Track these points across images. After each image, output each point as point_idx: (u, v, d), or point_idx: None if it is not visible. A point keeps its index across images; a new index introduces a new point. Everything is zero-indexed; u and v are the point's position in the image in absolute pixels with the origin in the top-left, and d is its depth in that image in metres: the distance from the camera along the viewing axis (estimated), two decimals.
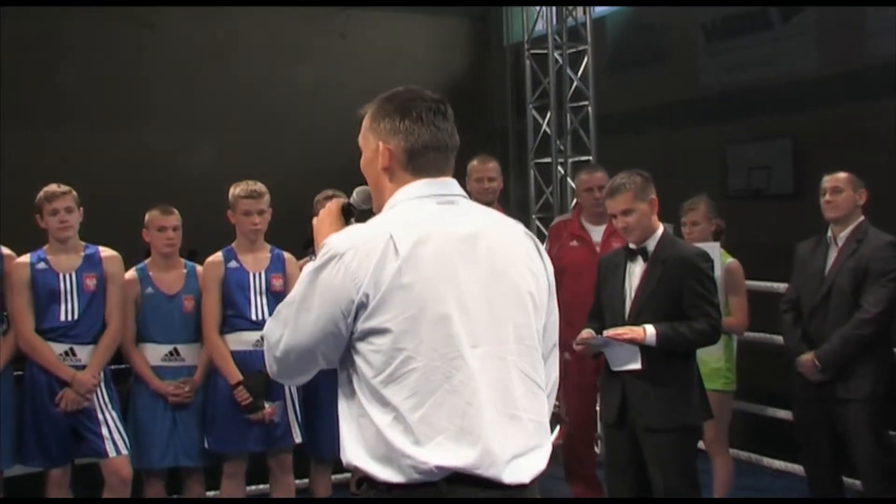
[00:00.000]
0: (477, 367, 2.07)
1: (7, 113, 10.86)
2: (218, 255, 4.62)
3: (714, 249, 4.55)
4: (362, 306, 2.06)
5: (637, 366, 3.90)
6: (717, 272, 4.39)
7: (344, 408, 2.14)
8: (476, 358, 2.07)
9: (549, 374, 2.28)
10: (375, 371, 2.06)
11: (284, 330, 2.15)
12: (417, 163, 2.21)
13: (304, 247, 2.52)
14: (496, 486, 2.05)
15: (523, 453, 2.10)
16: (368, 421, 2.07)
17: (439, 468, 2.02)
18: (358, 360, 2.10)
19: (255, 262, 4.61)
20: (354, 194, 2.41)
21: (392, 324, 2.05)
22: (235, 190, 4.61)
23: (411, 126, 2.20)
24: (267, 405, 4.46)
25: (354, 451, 2.10)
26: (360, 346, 2.09)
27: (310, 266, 2.15)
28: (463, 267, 2.11)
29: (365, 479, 2.11)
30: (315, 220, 2.41)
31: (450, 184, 2.24)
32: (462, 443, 2.03)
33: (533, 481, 2.12)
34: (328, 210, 2.39)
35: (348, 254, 2.07)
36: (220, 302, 4.54)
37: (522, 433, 2.11)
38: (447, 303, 2.07)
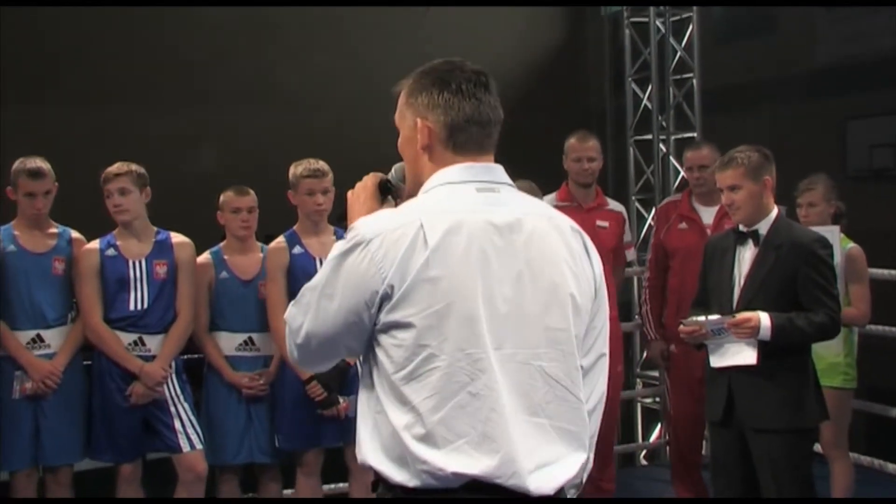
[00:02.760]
0: (501, 370, 2.02)
1: (75, 93, 11.12)
2: (281, 241, 4.60)
3: (833, 234, 4.43)
4: (387, 297, 2.02)
5: (751, 361, 3.80)
6: (837, 259, 4.27)
7: (363, 402, 2.12)
8: (501, 360, 2.03)
9: (595, 386, 2.20)
10: (396, 367, 2.03)
11: (306, 316, 2.12)
12: (459, 139, 2.15)
13: (337, 220, 2.50)
14: (519, 496, 2.01)
15: (549, 463, 2.05)
16: (385, 419, 2.04)
17: (456, 475, 1.98)
18: (380, 354, 2.06)
19: (321, 246, 4.57)
20: (393, 171, 2.38)
21: (416, 318, 2.01)
22: (297, 169, 4.58)
23: (451, 99, 2.15)
24: (342, 399, 4.47)
25: (370, 449, 2.07)
26: (383, 338, 2.05)
27: (336, 249, 2.11)
28: (496, 262, 2.05)
29: (380, 480, 2.08)
30: (349, 194, 2.39)
31: (493, 170, 2.18)
32: (483, 449, 1.99)
33: (559, 491, 2.07)
34: (364, 185, 2.36)
35: (375, 241, 2.03)
36: (286, 290, 4.50)
37: (548, 442, 2.06)
38: (476, 300, 2.02)
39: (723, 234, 4.20)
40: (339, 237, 4.49)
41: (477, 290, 2.02)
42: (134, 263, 4.44)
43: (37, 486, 4.45)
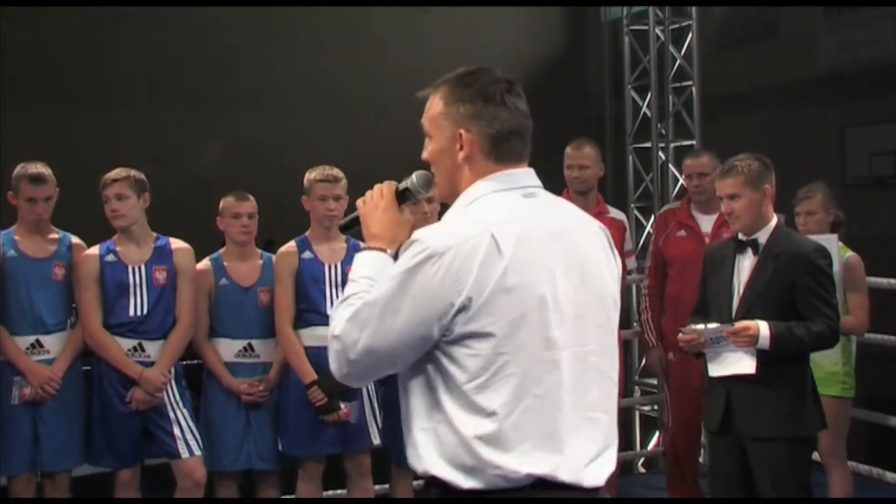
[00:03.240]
0: (567, 369, 2.10)
1: (74, 95, 11.13)
2: (291, 245, 4.64)
3: (832, 242, 4.43)
4: (463, 309, 2.04)
5: (749, 370, 3.81)
6: (836, 268, 4.28)
7: (418, 415, 2.13)
8: (567, 360, 2.10)
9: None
10: (470, 376, 2.06)
11: (364, 331, 2.11)
12: (501, 150, 2.19)
13: (343, 228, 2.49)
14: (576, 489, 2.09)
15: (599, 455, 2.15)
16: (450, 428, 2.07)
17: (529, 476, 2.04)
18: (447, 365, 2.08)
19: (331, 252, 4.62)
20: (414, 178, 2.38)
21: (495, 327, 2.04)
22: (311, 174, 4.62)
23: (495, 111, 2.18)
24: (343, 405, 4.48)
25: (432, 460, 2.09)
26: (453, 349, 2.07)
27: (401, 264, 2.11)
28: (558, 266, 2.12)
29: (435, 488, 2.11)
30: (360, 203, 2.39)
31: (530, 174, 2.24)
32: (548, 449, 2.07)
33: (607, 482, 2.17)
34: (380, 194, 2.37)
35: (448, 254, 2.05)
36: (293, 295, 4.57)
37: (598, 434, 2.15)
38: (546, 305, 2.08)
39: (722, 242, 4.21)
40: (351, 245, 4.54)
41: (547, 296, 2.09)
42: (133, 269, 4.45)
43: (35, 491, 4.45)
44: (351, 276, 2.28)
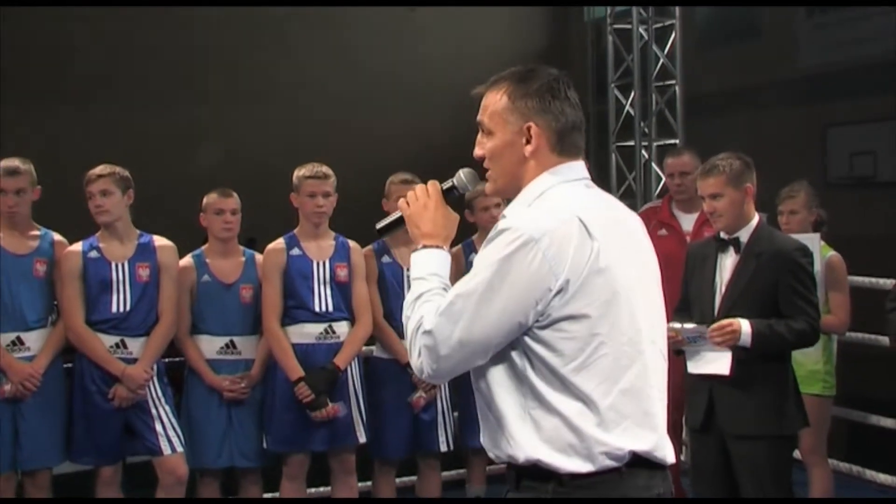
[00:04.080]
0: (647, 349, 2.20)
1: (65, 92, 11.10)
2: (280, 242, 4.64)
3: (814, 241, 4.46)
4: (560, 293, 2.11)
5: (724, 371, 3.83)
6: (817, 267, 4.31)
7: (507, 404, 2.17)
8: (646, 340, 2.21)
9: None
10: (566, 359, 2.12)
11: (458, 324, 2.12)
12: (565, 143, 2.27)
13: (380, 233, 2.53)
14: (662, 467, 2.21)
15: (665, 434, 2.25)
16: (548, 412, 2.13)
17: (632, 453, 2.14)
18: (541, 350, 2.13)
19: (319, 250, 4.63)
20: (461, 176, 2.42)
21: (590, 309, 2.12)
22: (300, 171, 4.63)
23: (561, 105, 2.26)
24: (330, 403, 4.48)
25: (531, 445, 2.14)
26: (546, 333, 2.13)
27: (495, 251, 2.13)
28: (627, 250, 2.23)
29: (526, 474, 2.16)
30: (404, 204, 2.43)
31: (584, 167, 2.33)
32: (645, 427, 2.17)
33: None
34: (428, 193, 2.40)
35: (545, 239, 2.10)
36: (281, 291, 4.57)
37: (663, 414, 2.25)
38: (633, 287, 2.19)
39: (704, 241, 4.23)
40: (339, 242, 4.55)
41: (631, 277, 2.20)
42: (116, 266, 4.43)
43: (16, 489, 4.43)
44: (416, 274, 2.30)
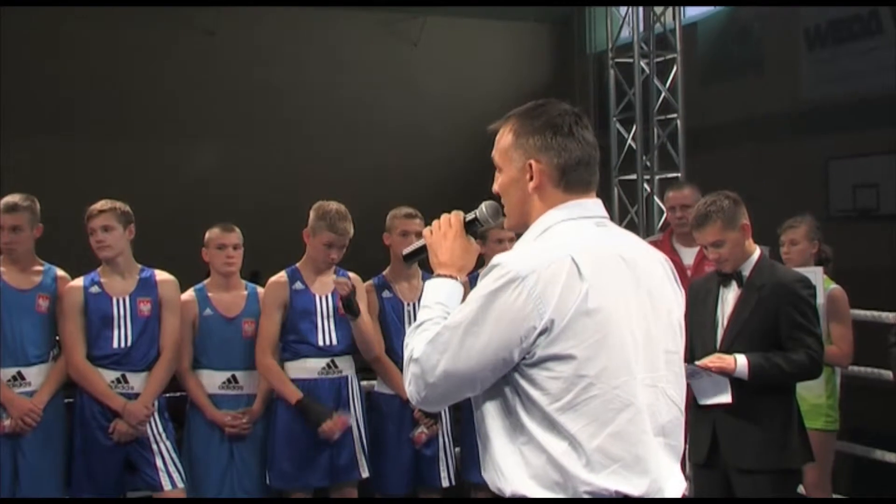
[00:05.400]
0: (642, 394, 2.16)
1: (64, 125, 11.16)
2: (282, 276, 4.63)
3: (817, 274, 4.46)
4: (545, 332, 2.10)
5: (726, 399, 3.83)
6: (820, 300, 4.31)
7: (498, 437, 2.18)
8: (641, 385, 2.16)
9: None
10: (552, 398, 2.11)
11: (444, 354, 2.16)
12: (569, 179, 2.26)
13: (406, 258, 2.58)
14: None
15: (673, 477, 2.21)
16: (536, 448, 2.12)
17: (618, 493, 2.10)
18: (528, 388, 2.13)
19: (322, 285, 4.62)
20: (484, 208, 2.44)
21: (577, 350, 2.10)
22: (320, 216, 4.56)
23: (563, 141, 2.25)
24: (336, 413, 4.45)
25: (519, 479, 2.14)
26: (534, 372, 2.12)
27: (483, 287, 2.16)
28: (630, 292, 2.19)
29: None
30: (427, 232, 2.45)
31: (599, 204, 2.31)
32: (636, 471, 2.13)
33: None
34: (448, 223, 2.42)
35: (531, 277, 2.10)
36: (279, 326, 4.55)
37: (672, 460, 2.22)
38: (623, 329, 2.15)
39: (706, 276, 4.23)
40: (342, 276, 4.53)
41: (623, 320, 2.15)
42: (118, 301, 4.44)
43: None
44: (423, 302, 2.33)
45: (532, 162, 2.26)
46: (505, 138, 2.31)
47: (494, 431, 2.18)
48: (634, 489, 2.11)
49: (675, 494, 2.20)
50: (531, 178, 2.26)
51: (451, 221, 2.43)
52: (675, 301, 2.32)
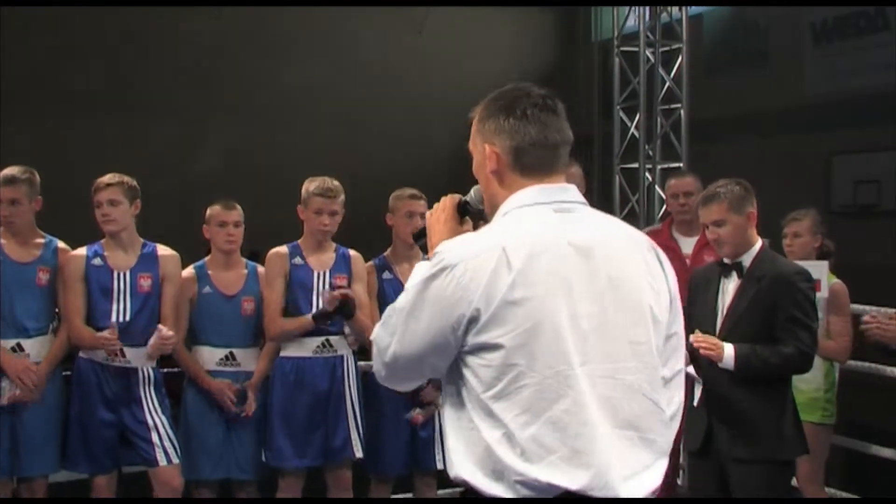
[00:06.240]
0: (589, 385, 2.09)
1: (73, 101, 11.15)
2: (283, 248, 4.65)
3: (822, 269, 4.47)
4: (473, 321, 2.09)
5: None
6: (824, 294, 4.31)
7: (452, 420, 2.18)
8: (588, 376, 2.09)
9: (673, 396, 2.29)
10: (485, 386, 2.10)
11: (393, 337, 2.19)
12: (524, 162, 2.22)
13: (415, 238, 2.60)
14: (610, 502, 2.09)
15: (639, 472, 2.13)
16: (478, 435, 2.11)
17: (551, 486, 2.05)
18: (467, 374, 2.13)
19: (320, 262, 4.63)
20: (473, 192, 2.44)
21: (504, 339, 2.07)
22: (310, 186, 4.61)
23: (517, 124, 2.22)
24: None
25: (463, 464, 2.13)
26: (470, 359, 2.12)
27: (421, 273, 2.18)
28: (577, 280, 2.12)
29: (470, 495, 2.14)
30: (428, 215, 2.47)
31: (568, 190, 2.25)
32: (574, 464, 2.06)
33: (648, 497, 2.15)
34: (443, 206, 2.45)
35: (459, 266, 2.10)
36: (283, 295, 4.57)
37: (638, 453, 2.14)
38: (560, 318, 2.09)
39: (708, 266, 4.23)
40: (339, 254, 4.55)
41: (561, 309, 2.09)
42: (119, 275, 4.44)
43: (11, 496, 4.42)
44: (406, 284, 2.32)
45: (487, 145, 2.24)
46: (473, 124, 2.31)
47: (447, 416, 2.19)
48: (572, 482, 2.05)
49: (634, 492, 2.11)
50: (490, 162, 2.25)
51: (444, 205, 2.44)
52: (648, 289, 2.21)
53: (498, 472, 2.07)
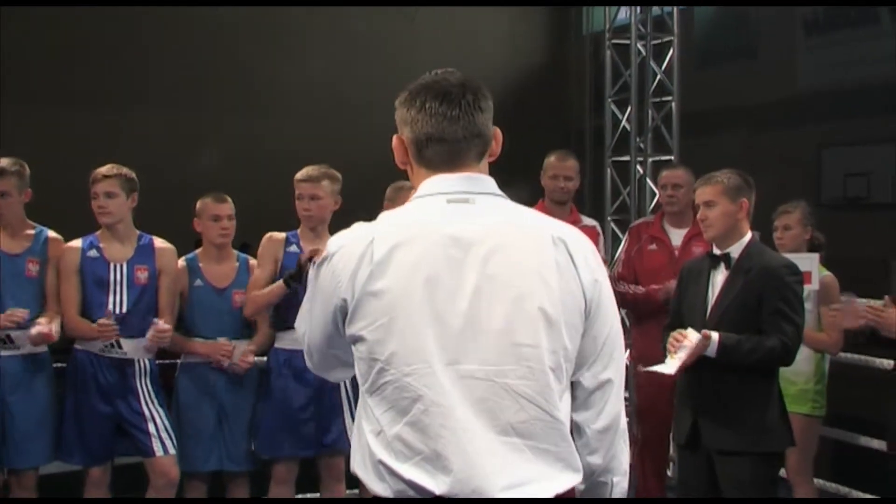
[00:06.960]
0: (458, 386, 1.98)
1: (75, 94, 11.14)
2: (280, 234, 4.65)
3: (813, 261, 4.48)
4: (344, 311, 2.07)
5: (669, 371, 3.83)
6: (815, 286, 4.32)
7: (357, 415, 2.16)
8: (457, 376, 1.98)
9: (603, 409, 2.14)
10: (363, 379, 2.08)
11: (304, 325, 2.22)
12: (424, 155, 2.15)
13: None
14: None
15: (525, 482, 1.98)
16: (363, 430, 2.08)
17: (421, 489, 1.97)
18: (356, 367, 2.11)
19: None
20: None
21: (366, 332, 2.03)
22: (297, 174, 4.62)
23: (415, 115, 2.13)
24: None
25: (355, 458, 2.11)
26: (354, 351, 2.09)
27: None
28: (448, 275, 2.01)
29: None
30: None
31: (472, 180, 2.13)
32: (437, 466, 1.97)
33: None
34: None
35: (336, 255, 2.10)
36: (272, 276, 4.56)
37: (525, 461, 1.99)
38: (421, 314, 1.99)
39: (698, 258, 4.24)
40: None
41: (423, 304, 2.00)
42: (115, 267, 4.43)
43: (1, 488, 4.41)
44: None
45: (395, 136, 2.20)
46: None
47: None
48: (436, 486, 1.95)
49: (493, 487, 1.96)
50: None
51: None
52: (540, 288, 2.03)
53: (376, 467, 2.02)
